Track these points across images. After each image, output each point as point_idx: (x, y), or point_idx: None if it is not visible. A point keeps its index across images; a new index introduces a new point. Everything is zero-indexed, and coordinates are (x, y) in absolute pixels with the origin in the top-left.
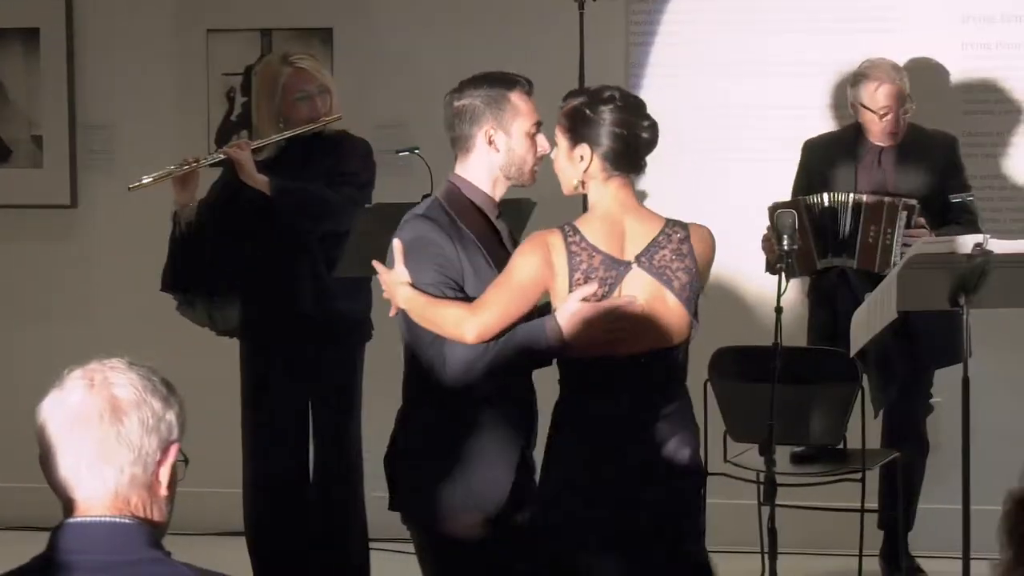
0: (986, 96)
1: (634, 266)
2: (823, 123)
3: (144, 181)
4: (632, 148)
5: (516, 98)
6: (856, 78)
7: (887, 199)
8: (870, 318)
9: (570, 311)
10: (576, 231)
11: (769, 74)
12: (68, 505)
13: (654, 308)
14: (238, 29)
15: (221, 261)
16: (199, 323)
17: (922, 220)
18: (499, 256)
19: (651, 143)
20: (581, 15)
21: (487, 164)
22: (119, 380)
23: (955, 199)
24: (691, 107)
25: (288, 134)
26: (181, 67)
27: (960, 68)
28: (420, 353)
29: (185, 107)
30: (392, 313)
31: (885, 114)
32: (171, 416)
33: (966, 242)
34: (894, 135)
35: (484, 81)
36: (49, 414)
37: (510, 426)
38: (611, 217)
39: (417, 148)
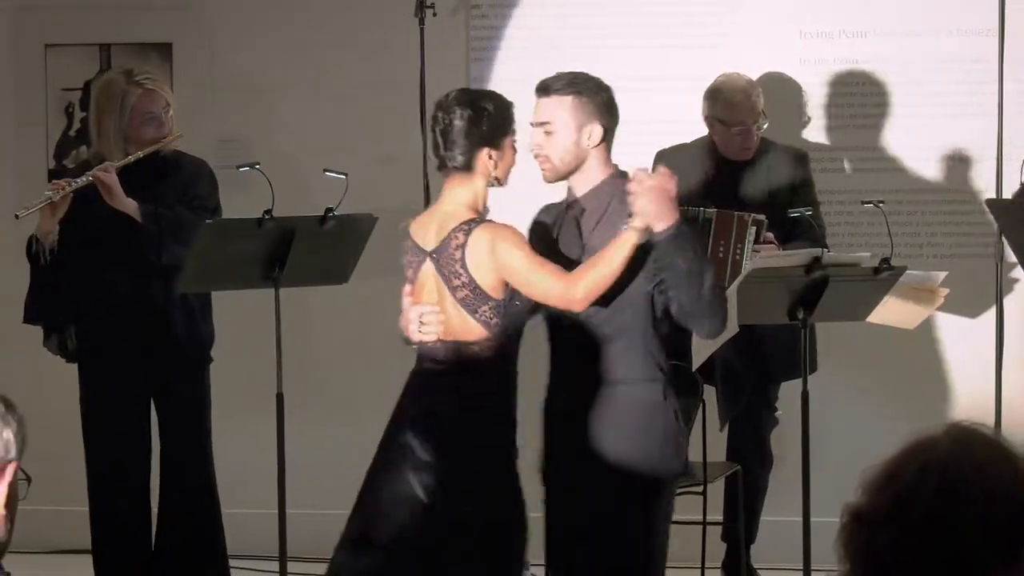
0: (822, 111)
1: None
2: (666, 138)
3: (31, 211)
4: None
5: None
6: (711, 92)
7: (737, 214)
8: None
9: None
10: None
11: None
12: None
13: None
14: (77, 44)
15: (76, 287)
16: (53, 352)
17: (770, 235)
18: None
19: None
20: (422, 30)
21: None
22: None
23: (793, 214)
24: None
25: (141, 154)
26: (19, 82)
27: (797, 83)
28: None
29: (23, 122)
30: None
31: (740, 129)
32: (8, 434)
33: (803, 256)
34: (747, 150)
35: None
36: None
37: None
38: None
39: (258, 163)
